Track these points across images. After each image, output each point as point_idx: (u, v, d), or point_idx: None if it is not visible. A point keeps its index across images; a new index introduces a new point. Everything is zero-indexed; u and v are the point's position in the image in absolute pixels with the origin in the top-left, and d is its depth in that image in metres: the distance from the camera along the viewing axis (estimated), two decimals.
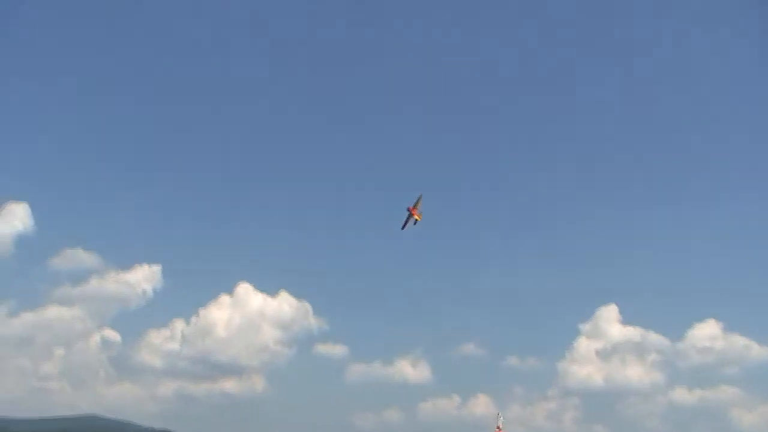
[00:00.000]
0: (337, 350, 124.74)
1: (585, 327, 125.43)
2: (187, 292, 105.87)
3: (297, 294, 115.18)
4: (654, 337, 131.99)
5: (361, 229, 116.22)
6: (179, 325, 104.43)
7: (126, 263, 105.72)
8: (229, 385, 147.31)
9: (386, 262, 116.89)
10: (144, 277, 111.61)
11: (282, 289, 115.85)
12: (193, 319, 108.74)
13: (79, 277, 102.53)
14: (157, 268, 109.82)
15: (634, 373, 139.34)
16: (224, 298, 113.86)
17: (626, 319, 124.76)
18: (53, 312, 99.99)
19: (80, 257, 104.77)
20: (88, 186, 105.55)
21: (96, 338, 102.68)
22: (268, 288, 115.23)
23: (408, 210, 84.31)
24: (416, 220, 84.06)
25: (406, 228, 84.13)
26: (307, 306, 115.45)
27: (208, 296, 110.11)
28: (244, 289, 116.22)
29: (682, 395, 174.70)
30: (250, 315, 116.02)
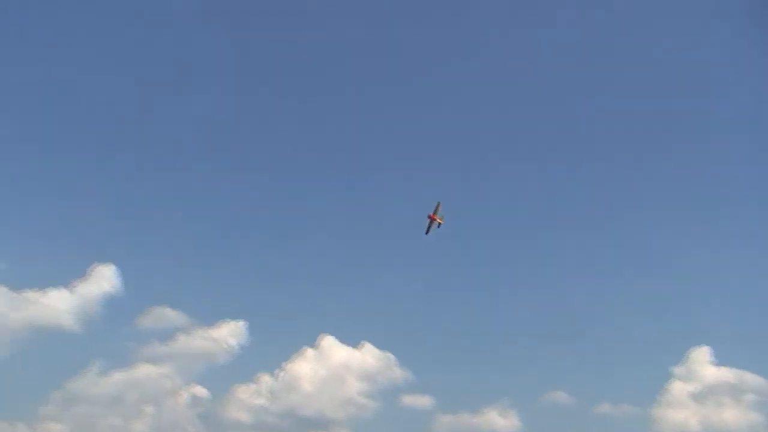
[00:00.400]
0: (423, 401, 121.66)
1: (677, 370, 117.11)
2: (271, 347, 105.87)
3: (380, 345, 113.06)
4: (750, 378, 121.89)
5: (438, 279, 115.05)
6: (265, 379, 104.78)
7: (211, 320, 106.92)
8: None
9: (469, 311, 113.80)
10: (229, 333, 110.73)
11: (365, 340, 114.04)
12: (279, 373, 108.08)
13: (167, 334, 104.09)
14: (242, 324, 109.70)
15: (731, 416, 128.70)
16: (308, 352, 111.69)
17: (719, 360, 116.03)
18: (142, 370, 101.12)
19: (167, 315, 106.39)
20: (172, 246, 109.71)
21: (185, 395, 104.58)
22: (351, 340, 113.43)
23: (429, 217, 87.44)
24: (439, 223, 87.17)
25: (429, 232, 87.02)
26: (391, 357, 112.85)
27: (291, 350, 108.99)
28: (327, 341, 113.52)
29: None
30: (335, 368, 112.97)
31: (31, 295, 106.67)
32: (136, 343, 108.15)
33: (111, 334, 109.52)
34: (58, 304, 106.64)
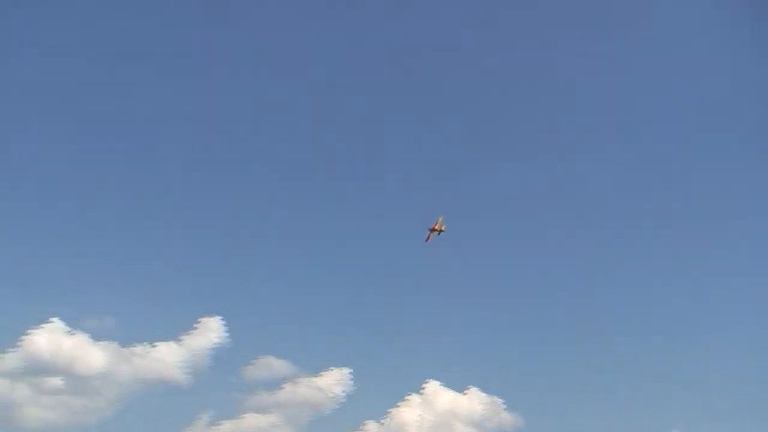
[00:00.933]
0: None
1: None
2: (376, 394, 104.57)
3: (487, 390, 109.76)
4: None
5: (545, 318, 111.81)
6: (371, 427, 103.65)
7: (316, 368, 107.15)
8: None
9: (579, 351, 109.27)
10: (334, 381, 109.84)
11: (471, 385, 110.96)
12: (385, 421, 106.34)
13: (273, 384, 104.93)
14: (346, 372, 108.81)
15: None
16: (413, 398, 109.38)
17: None
18: (251, 420, 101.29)
19: (273, 365, 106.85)
20: (275, 297, 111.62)
21: None
22: (457, 385, 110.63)
23: (429, 230, 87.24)
24: (440, 231, 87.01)
25: (429, 240, 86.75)
26: (498, 401, 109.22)
27: (397, 397, 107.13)
28: (433, 387, 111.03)
29: None
30: (441, 414, 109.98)
31: (141, 349, 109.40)
32: (243, 393, 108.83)
33: (219, 385, 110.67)
34: (167, 358, 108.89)
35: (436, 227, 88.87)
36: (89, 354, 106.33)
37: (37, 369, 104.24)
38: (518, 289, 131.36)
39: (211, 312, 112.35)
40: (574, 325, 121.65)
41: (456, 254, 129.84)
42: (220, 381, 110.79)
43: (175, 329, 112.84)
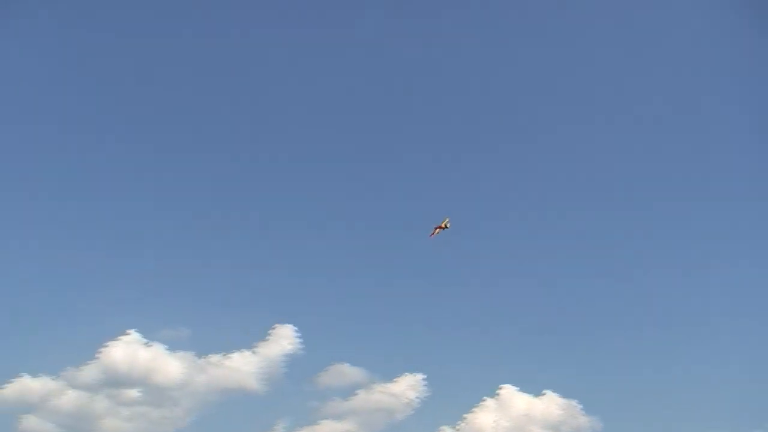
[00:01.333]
0: None
1: None
2: (451, 399, 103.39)
3: (564, 393, 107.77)
4: None
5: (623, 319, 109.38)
6: None
7: (390, 374, 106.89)
8: None
9: (660, 351, 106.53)
10: (408, 387, 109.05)
11: (547, 389, 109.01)
12: (460, 426, 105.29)
13: (347, 391, 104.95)
14: (420, 377, 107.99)
15: None
16: (488, 402, 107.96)
17: None
18: (326, 427, 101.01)
19: (346, 372, 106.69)
20: (347, 304, 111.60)
21: None
22: (532, 389, 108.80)
23: (434, 228, 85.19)
24: (444, 227, 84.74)
25: (434, 236, 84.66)
26: (575, 404, 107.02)
27: (472, 401, 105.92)
28: (508, 391, 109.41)
29: None
30: (517, 418, 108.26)
31: (216, 359, 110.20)
32: (318, 401, 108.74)
33: (294, 393, 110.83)
34: (242, 367, 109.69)
35: (442, 225, 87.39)
36: (166, 365, 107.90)
37: (115, 381, 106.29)
38: (597, 290, 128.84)
39: (284, 320, 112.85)
40: (655, 324, 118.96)
41: (526, 259, 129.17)
42: (295, 389, 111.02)
43: (249, 338, 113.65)
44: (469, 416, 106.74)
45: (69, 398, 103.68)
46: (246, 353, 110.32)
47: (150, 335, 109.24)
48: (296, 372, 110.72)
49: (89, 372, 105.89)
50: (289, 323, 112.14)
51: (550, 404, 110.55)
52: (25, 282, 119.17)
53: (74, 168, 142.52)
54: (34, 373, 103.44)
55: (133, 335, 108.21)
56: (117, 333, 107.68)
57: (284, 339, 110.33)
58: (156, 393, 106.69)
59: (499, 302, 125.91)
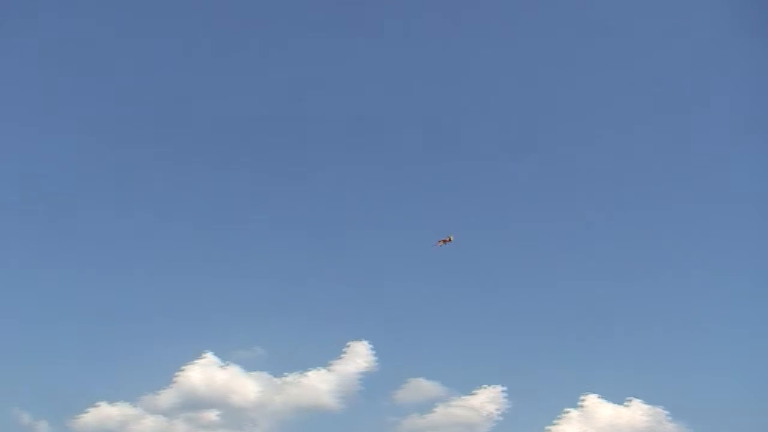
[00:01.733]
0: None
1: None
2: (532, 410, 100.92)
3: (650, 401, 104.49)
4: None
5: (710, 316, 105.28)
6: None
7: (468, 388, 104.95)
8: None
9: (741, 353, 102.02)
10: (488, 400, 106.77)
11: (632, 397, 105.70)
12: None
13: (425, 406, 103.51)
14: (499, 389, 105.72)
15: None
16: (571, 413, 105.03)
17: None
18: None
19: (423, 387, 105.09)
20: (421, 318, 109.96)
21: None
22: (617, 397, 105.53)
23: (437, 241, 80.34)
24: (448, 240, 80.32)
25: (436, 246, 79.68)
26: (662, 412, 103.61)
27: (554, 412, 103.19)
28: (591, 401, 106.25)
29: None
30: (602, 428, 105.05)
31: (292, 378, 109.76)
32: (395, 417, 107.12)
33: (371, 410, 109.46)
34: (319, 385, 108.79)
35: (446, 240, 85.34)
36: (242, 386, 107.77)
37: (193, 404, 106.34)
38: (683, 294, 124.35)
39: (358, 337, 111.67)
40: (741, 327, 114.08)
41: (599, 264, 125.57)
42: (372, 406, 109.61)
43: (324, 356, 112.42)
44: (553, 428, 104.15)
45: (148, 424, 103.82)
46: (322, 371, 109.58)
47: (225, 356, 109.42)
48: (372, 389, 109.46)
49: (167, 397, 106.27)
50: (363, 339, 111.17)
51: (636, 412, 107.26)
52: (102, 310, 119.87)
53: (138, 186, 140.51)
54: (112, 400, 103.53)
55: (209, 357, 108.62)
56: (193, 356, 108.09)
57: (359, 356, 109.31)
58: (234, 414, 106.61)
59: (576, 308, 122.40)
